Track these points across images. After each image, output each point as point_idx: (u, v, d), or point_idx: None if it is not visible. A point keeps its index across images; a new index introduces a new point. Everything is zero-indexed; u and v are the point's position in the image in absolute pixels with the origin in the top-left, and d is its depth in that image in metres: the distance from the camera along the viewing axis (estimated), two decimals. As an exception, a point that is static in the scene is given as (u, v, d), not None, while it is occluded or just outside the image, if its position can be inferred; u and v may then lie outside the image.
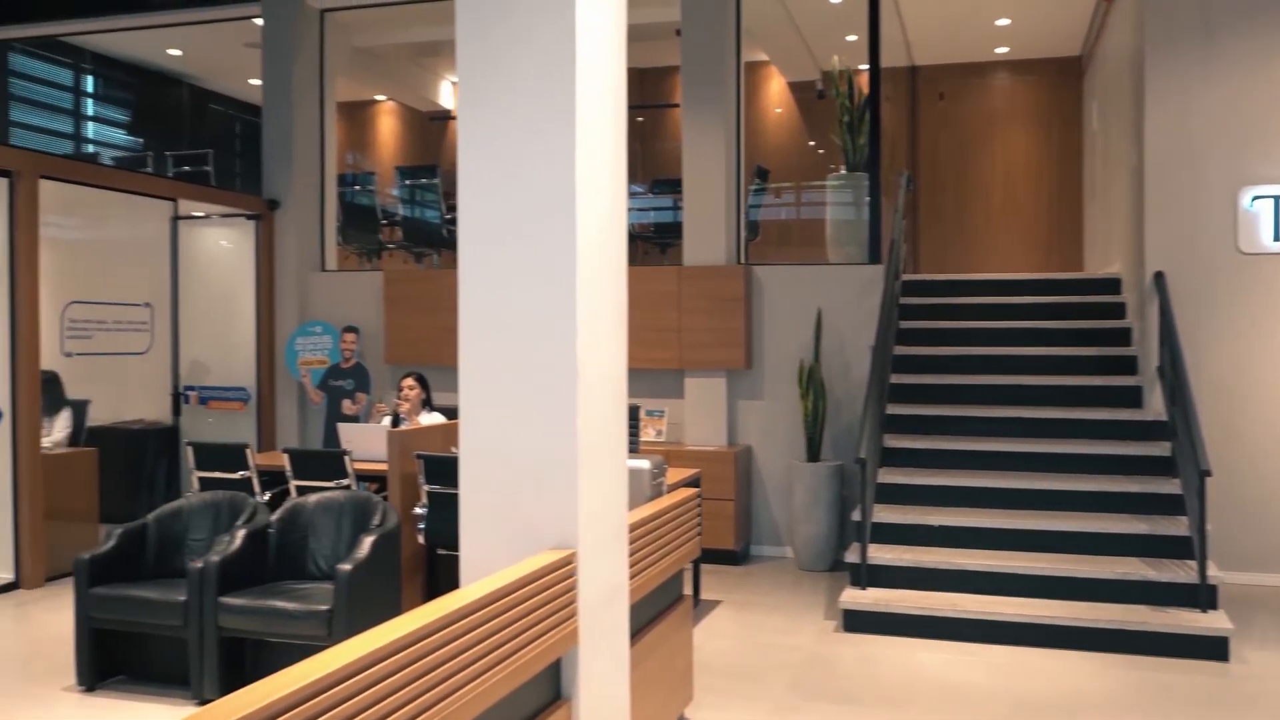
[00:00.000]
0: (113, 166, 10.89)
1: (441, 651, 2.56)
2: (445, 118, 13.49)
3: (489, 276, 3.26)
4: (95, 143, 12.89)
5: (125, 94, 13.21)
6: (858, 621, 6.25)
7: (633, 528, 3.82)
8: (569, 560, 3.16)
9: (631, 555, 3.78)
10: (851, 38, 9.98)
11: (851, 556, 6.54)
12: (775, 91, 12.29)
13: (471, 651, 2.69)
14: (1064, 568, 6.20)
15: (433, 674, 2.52)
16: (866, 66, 8.78)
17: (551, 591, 3.07)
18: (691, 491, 4.79)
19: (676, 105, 10.99)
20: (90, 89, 12.85)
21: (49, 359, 7.93)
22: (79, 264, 9.02)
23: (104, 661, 5.27)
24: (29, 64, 11.73)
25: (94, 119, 13.00)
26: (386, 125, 13.88)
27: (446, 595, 2.83)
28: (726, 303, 8.37)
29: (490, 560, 3.23)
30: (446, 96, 13.38)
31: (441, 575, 6.61)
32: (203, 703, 4.95)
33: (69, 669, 5.37)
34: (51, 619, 6.56)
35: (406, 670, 2.42)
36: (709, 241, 8.59)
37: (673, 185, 10.38)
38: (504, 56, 3.22)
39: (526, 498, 3.23)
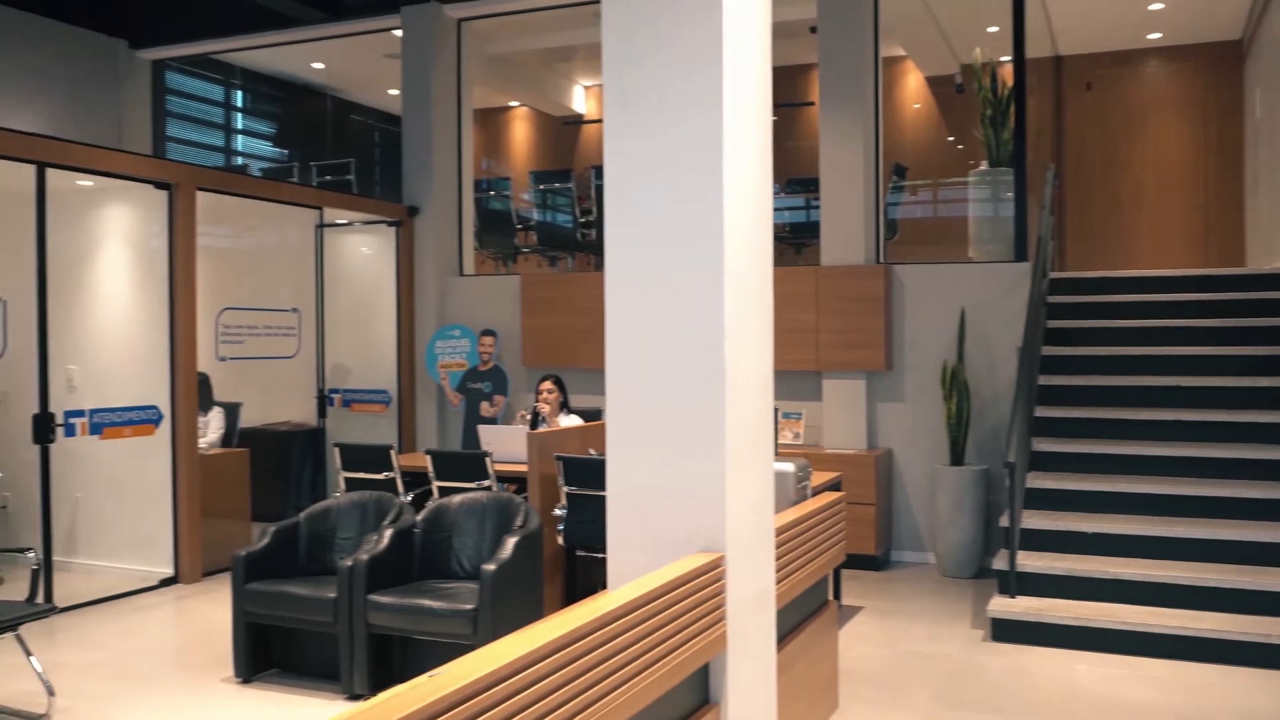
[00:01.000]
0: (262, 178, 11.32)
1: (596, 653, 2.53)
2: (578, 122, 13.62)
3: (635, 278, 3.22)
4: (244, 155, 13.43)
5: (272, 107, 13.73)
6: (1007, 631, 6.02)
7: (779, 531, 3.75)
8: (718, 564, 3.11)
9: (778, 559, 3.70)
10: (993, 29, 9.67)
11: (1000, 563, 6.32)
12: (912, 87, 12.02)
13: (625, 654, 2.66)
14: (1231, 578, 5.86)
15: (588, 675, 2.50)
16: (1008, 58, 8.50)
17: (701, 595, 3.02)
18: (837, 495, 4.69)
19: (810, 104, 10.84)
20: (240, 103, 13.41)
21: (203, 364, 8.25)
22: (231, 271, 9.39)
23: (259, 654, 5.44)
24: (184, 81, 12.29)
25: (243, 132, 13.54)
26: (520, 131, 14.09)
27: (598, 597, 2.81)
28: (866, 303, 8.20)
29: (637, 563, 3.20)
30: (579, 101, 13.50)
31: (580, 576, 6.64)
32: (353, 697, 5.07)
33: (226, 660, 5.57)
34: (209, 612, 6.82)
35: (562, 672, 2.40)
36: (847, 241, 8.43)
37: (806, 184, 10.23)
38: (650, 55, 3.19)
39: (674, 500, 3.19)
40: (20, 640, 4.95)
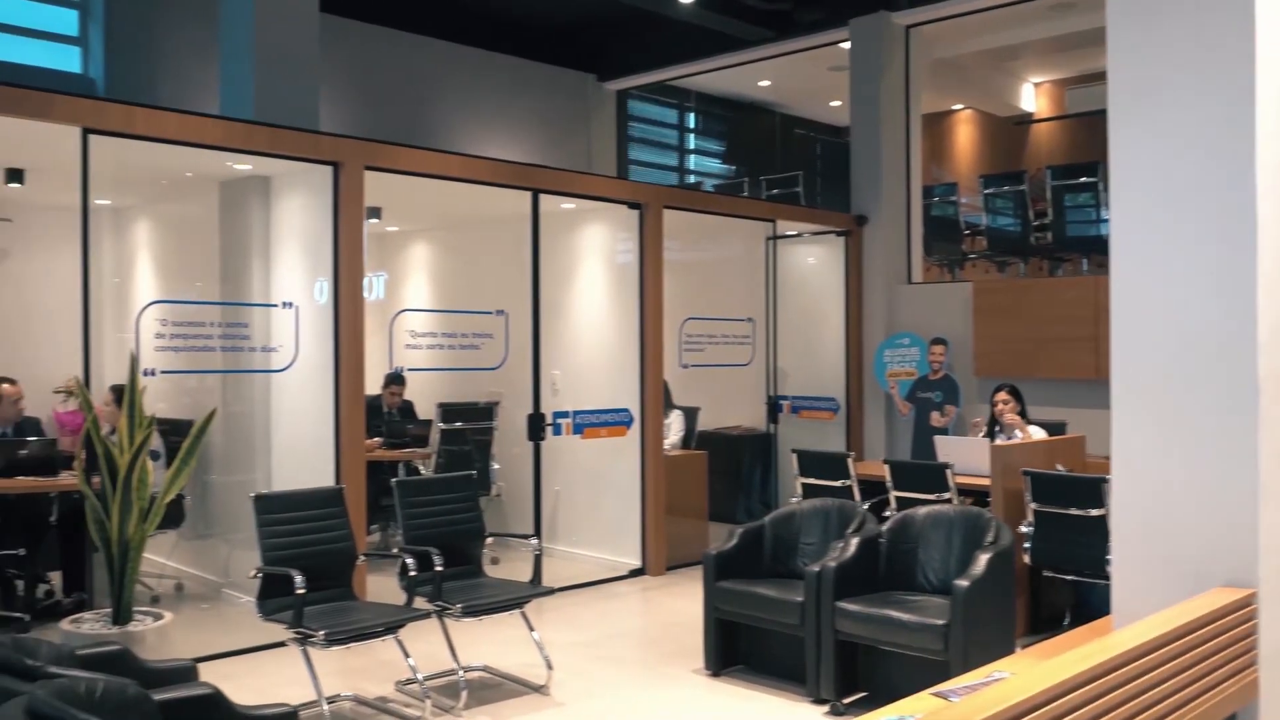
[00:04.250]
0: (715, 194, 11.90)
1: (1114, 694, 2.39)
2: (1028, 121, 13.01)
3: (1148, 284, 3.01)
4: (696, 173, 14.19)
5: (720, 126, 14.40)
6: None
7: (1312, 570, 3.33)
8: (1247, 602, 2.82)
9: (1311, 601, 3.29)
10: None
11: None
12: None
13: (1144, 697, 2.49)
14: None
15: (1106, 717, 2.36)
16: None
17: (1228, 637, 2.76)
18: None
19: None
20: (691, 124, 14.19)
21: (666, 370, 8.78)
22: (690, 283, 9.92)
23: (727, 649, 5.68)
24: (643, 108, 13.22)
25: (695, 151, 14.32)
26: (964, 134, 13.70)
27: (1108, 634, 2.65)
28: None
29: (1146, 597, 2.98)
30: (1028, 99, 12.90)
31: (1044, 598, 6.32)
32: (818, 701, 5.14)
33: (694, 651, 5.85)
34: (674, 604, 7.24)
35: (1080, 711, 2.28)
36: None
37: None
38: (1167, 36, 2.97)
39: (1191, 529, 2.93)
40: (525, 617, 5.54)
